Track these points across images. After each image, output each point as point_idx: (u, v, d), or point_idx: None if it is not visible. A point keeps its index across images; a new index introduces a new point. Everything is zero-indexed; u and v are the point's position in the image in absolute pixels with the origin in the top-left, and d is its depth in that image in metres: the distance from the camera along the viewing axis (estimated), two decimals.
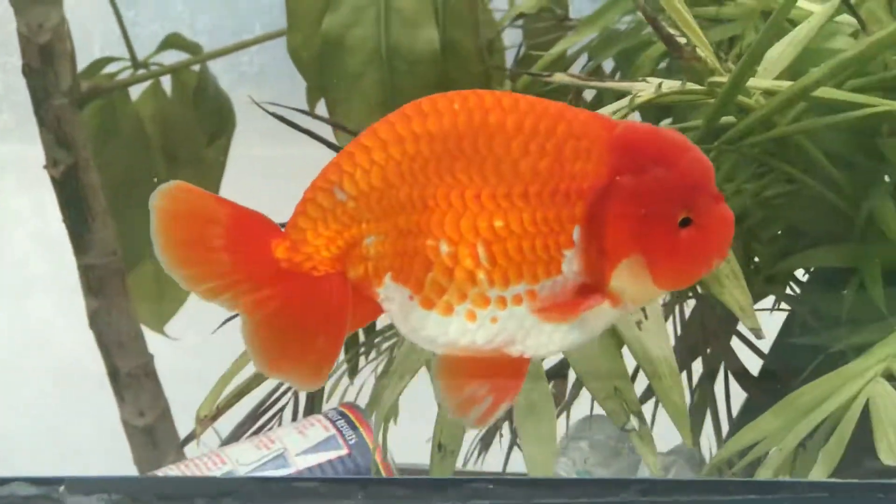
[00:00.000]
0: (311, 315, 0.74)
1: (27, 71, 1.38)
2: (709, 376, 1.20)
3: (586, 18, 1.31)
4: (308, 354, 0.74)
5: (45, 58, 1.37)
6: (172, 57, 1.55)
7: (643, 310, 0.82)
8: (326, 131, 1.26)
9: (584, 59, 1.36)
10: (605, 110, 0.99)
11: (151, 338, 1.49)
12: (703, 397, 1.20)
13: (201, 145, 1.52)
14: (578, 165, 0.71)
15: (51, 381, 1.70)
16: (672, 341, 1.18)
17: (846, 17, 1.05)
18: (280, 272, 0.74)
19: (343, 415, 1.20)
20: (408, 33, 1.25)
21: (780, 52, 1.01)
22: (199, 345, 1.57)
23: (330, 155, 1.23)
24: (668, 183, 0.71)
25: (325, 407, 1.30)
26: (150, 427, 1.42)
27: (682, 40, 1.00)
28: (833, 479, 0.80)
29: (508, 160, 0.72)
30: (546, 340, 0.73)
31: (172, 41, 1.54)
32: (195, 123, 1.52)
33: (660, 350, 0.80)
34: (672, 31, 1.01)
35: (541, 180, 0.71)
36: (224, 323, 1.17)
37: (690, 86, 0.97)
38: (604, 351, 0.82)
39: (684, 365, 1.25)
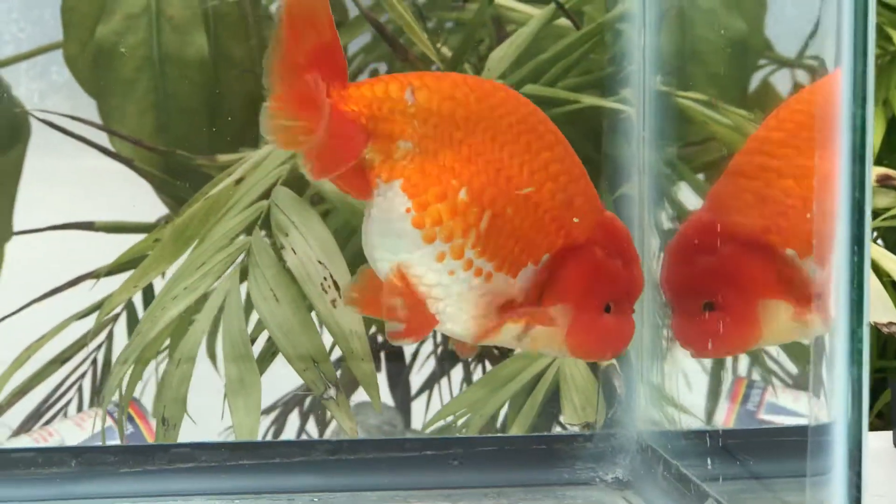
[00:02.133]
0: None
1: None
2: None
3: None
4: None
5: None
6: None
7: (337, 288, 0.89)
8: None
9: None
10: None
11: None
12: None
13: None
14: (581, 206, 0.84)
15: None
16: None
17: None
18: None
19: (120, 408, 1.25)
20: (179, 40, 1.31)
21: (503, 54, 1.09)
22: None
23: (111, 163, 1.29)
24: (619, 274, 0.85)
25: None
26: None
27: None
28: (502, 435, 0.87)
29: (541, 153, 0.84)
30: (460, 320, 0.83)
31: None
32: None
33: (351, 324, 0.87)
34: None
35: (559, 187, 0.84)
36: None
37: None
38: (304, 329, 0.89)
39: None
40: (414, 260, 0.81)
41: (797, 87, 1.08)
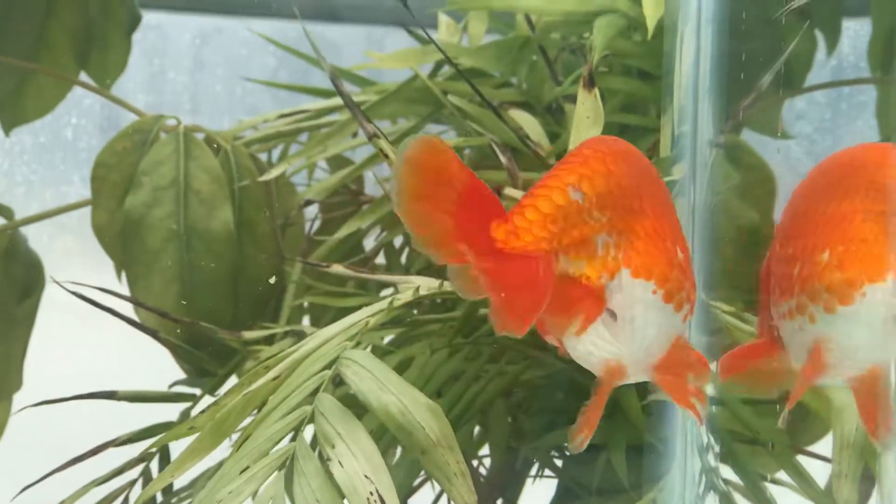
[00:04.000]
0: (515, 287, 0.78)
1: None
2: None
3: (378, 199, 1.41)
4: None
5: None
6: None
7: (383, 503, 0.92)
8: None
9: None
10: None
11: None
12: None
13: (12, 303, 1.58)
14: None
15: None
16: None
17: None
18: (492, 249, 0.78)
19: None
20: (206, 213, 1.34)
21: None
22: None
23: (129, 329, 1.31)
24: None
25: None
26: None
27: None
28: None
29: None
30: None
31: None
32: (5, 282, 1.58)
33: None
34: None
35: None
36: None
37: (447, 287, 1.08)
38: None
39: None
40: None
41: None
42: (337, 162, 1.48)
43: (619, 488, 1.19)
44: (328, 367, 1.02)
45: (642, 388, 1.16)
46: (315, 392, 1.00)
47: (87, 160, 1.93)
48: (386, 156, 1.10)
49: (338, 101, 1.47)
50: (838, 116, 1.43)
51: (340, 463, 0.94)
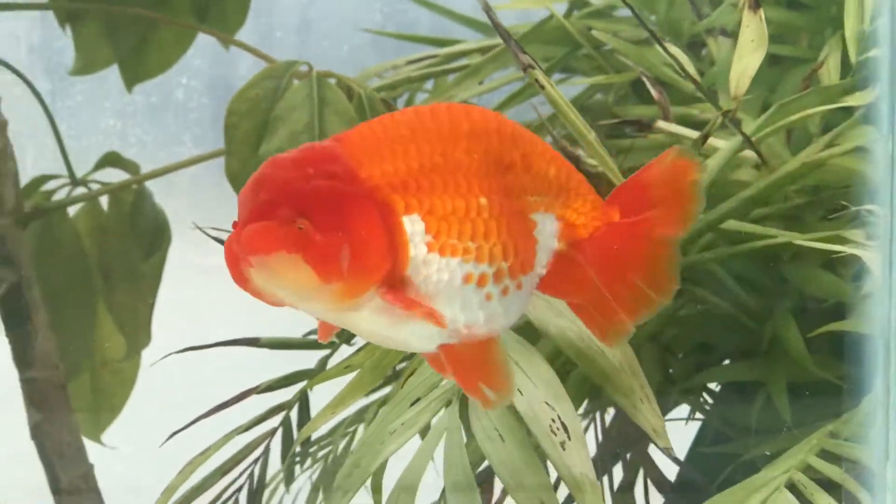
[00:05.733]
0: None
1: None
2: (629, 483, 1.27)
3: None
4: None
5: None
6: (109, 175, 1.61)
7: (566, 430, 0.89)
8: None
9: None
10: None
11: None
12: None
13: (138, 259, 1.58)
14: None
15: None
16: (593, 449, 1.26)
17: (749, 153, 1.15)
18: None
19: None
20: None
21: None
22: (134, 454, 1.62)
23: None
24: None
25: None
26: None
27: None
28: None
29: None
30: None
31: (110, 159, 1.59)
32: (132, 239, 1.57)
33: (581, 467, 0.88)
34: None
35: None
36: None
37: None
38: (530, 467, 0.89)
39: (605, 471, 1.32)
40: None
41: None
42: None
43: (777, 427, 1.16)
44: None
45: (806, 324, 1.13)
46: None
47: (197, 120, 1.93)
48: (542, 87, 1.07)
49: (463, 47, 1.45)
50: None
51: (520, 391, 0.91)
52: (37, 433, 1.46)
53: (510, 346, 0.94)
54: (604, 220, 0.85)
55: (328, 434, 1.35)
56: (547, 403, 0.91)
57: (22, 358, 1.43)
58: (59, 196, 1.57)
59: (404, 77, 1.40)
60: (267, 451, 1.33)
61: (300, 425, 1.34)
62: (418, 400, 0.96)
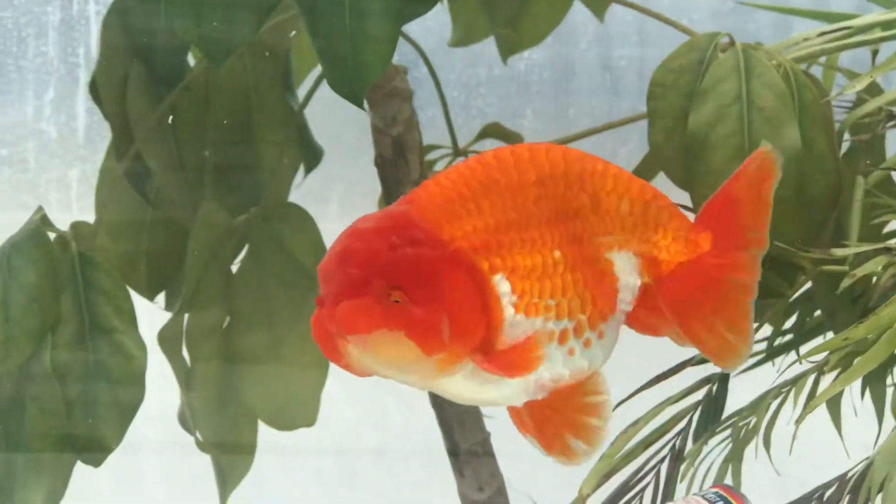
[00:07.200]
0: None
1: (379, 162, 1.45)
2: None
3: None
4: None
5: (396, 149, 1.44)
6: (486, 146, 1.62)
7: None
8: None
9: None
10: None
11: None
12: None
13: None
14: None
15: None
16: None
17: None
18: None
19: (721, 497, 1.26)
20: (771, 131, 1.31)
21: None
22: None
23: None
24: None
25: (678, 490, 1.35)
26: (488, 502, 1.47)
27: None
28: None
29: None
30: None
31: (491, 130, 1.61)
32: None
33: None
34: None
35: None
36: None
37: None
38: None
39: None
40: None
41: None
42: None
43: None
44: None
45: None
46: None
47: (538, 93, 1.93)
48: None
49: (881, 16, 1.43)
50: None
51: None
52: (437, 400, 1.48)
53: None
54: (689, 254, 0.83)
55: (748, 406, 1.35)
56: None
57: None
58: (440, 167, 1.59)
59: (819, 49, 1.39)
60: (689, 423, 1.34)
61: (717, 399, 1.34)
62: None
